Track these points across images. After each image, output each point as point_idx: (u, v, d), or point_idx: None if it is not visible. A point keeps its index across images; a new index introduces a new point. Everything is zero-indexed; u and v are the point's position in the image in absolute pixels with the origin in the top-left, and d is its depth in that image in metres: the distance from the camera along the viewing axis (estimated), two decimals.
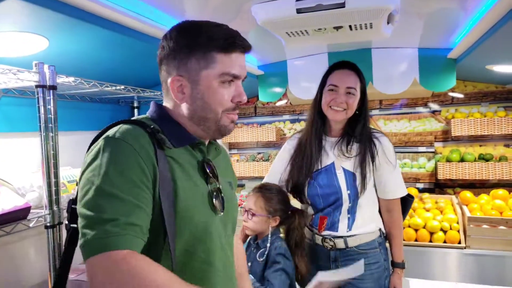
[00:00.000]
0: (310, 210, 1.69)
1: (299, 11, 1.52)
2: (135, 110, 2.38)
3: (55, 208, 1.31)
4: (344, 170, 1.61)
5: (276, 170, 1.76)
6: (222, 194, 0.97)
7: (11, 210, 1.15)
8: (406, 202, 1.72)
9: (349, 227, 1.60)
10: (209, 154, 1.00)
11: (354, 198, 1.59)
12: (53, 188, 1.31)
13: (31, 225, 1.25)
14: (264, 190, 1.62)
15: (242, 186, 3.61)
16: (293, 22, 1.61)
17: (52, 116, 1.33)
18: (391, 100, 3.30)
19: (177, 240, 0.85)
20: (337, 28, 1.72)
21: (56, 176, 1.33)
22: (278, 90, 2.87)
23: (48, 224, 1.29)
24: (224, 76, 0.89)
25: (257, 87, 2.90)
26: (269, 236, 1.56)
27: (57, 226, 1.32)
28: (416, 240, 2.55)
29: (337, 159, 1.62)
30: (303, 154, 1.65)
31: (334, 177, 1.61)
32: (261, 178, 3.45)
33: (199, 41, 0.88)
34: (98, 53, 1.61)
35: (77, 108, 1.98)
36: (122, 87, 1.69)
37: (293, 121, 3.52)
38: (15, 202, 1.19)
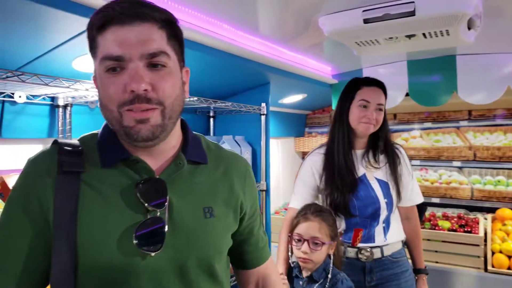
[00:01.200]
0: (342, 225, 1.67)
1: (366, 21, 1.54)
2: (211, 120, 2.57)
3: None
4: (378, 180, 1.69)
5: (305, 191, 1.73)
6: (166, 226, 0.76)
7: None
8: (421, 209, 1.85)
9: (385, 236, 1.66)
10: (164, 171, 0.81)
11: (391, 206, 1.67)
12: None
13: None
14: (323, 213, 1.51)
15: None
16: (361, 32, 1.64)
17: None
18: (483, 111, 3.08)
19: None
20: (409, 36, 1.70)
21: None
22: None
23: None
24: (104, 61, 0.72)
25: (331, 96, 2.92)
26: (330, 266, 1.43)
27: None
28: (509, 268, 2.35)
29: (367, 170, 1.70)
30: (338, 170, 1.66)
31: (369, 188, 1.67)
32: None
33: (88, 30, 0.76)
34: None
35: None
36: (195, 98, 1.86)
37: None
38: None
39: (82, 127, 1.77)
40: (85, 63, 1.48)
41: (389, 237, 1.66)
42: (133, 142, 0.76)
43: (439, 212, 3.05)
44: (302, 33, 1.89)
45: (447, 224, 2.77)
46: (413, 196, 1.77)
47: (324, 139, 3.51)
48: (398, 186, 1.69)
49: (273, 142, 3.31)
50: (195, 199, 0.83)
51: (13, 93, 1.47)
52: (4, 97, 1.46)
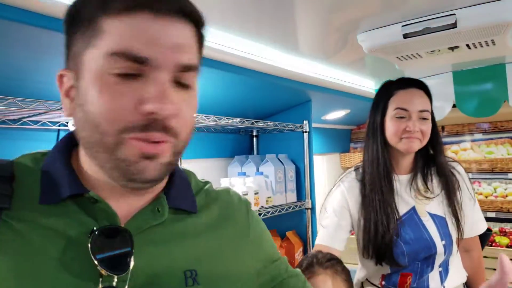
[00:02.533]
0: (385, 267, 1.32)
1: (406, 36, 1.49)
2: (254, 139, 2.58)
3: None
4: (432, 215, 1.29)
5: (338, 231, 1.32)
6: None
7: None
8: (484, 236, 1.46)
9: (443, 283, 1.29)
10: (134, 219, 0.56)
11: (450, 248, 1.28)
12: None
13: None
14: (338, 266, 1.08)
15: None
16: (401, 47, 1.59)
17: None
18: None
19: None
20: (452, 48, 1.62)
21: None
22: None
23: None
24: (116, 59, 0.49)
25: None
26: None
27: None
28: None
29: (417, 202, 1.31)
30: (375, 203, 1.27)
31: (421, 228, 1.27)
32: None
33: (85, 3, 0.53)
34: (216, 91, 1.83)
35: (202, 139, 2.26)
36: (238, 119, 1.88)
37: None
38: None
39: None
40: None
41: (448, 283, 1.29)
42: (121, 180, 0.53)
43: (495, 227, 2.84)
44: (341, 49, 1.87)
45: (505, 240, 2.57)
46: (475, 225, 1.38)
47: None
48: (459, 220, 1.31)
49: (318, 159, 3.26)
50: (174, 259, 0.56)
51: (67, 122, 1.55)
52: (59, 126, 1.55)
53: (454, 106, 2.44)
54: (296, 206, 2.25)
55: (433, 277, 1.27)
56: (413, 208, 1.31)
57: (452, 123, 3.22)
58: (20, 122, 1.42)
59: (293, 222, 2.37)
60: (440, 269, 1.29)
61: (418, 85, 1.34)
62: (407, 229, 1.27)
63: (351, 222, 1.35)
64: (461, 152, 3.15)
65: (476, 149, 3.12)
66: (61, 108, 1.21)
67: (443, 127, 3.22)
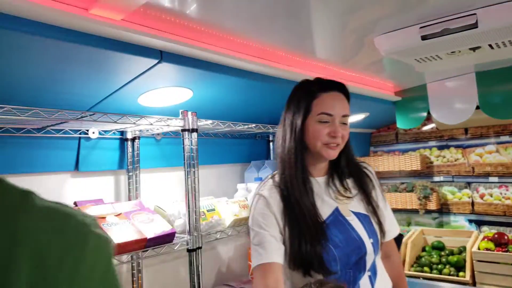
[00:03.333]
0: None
1: (424, 37, 1.48)
2: (271, 144, 2.58)
3: (195, 234, 1.54)
4: (356, 214, 1.26)
5: (272, 243, 1.18)
6: None
7: (160, 235, 1.41)
8: (398, 241, 1.51)
9: (373, 287, 1.23)
10: None
11: (377, 247, 1.25)
12: (194, 216, 1.54)
13: (175, 248, 1.50)
14: None
15: None
16: (419, 49, 1.57)
17: (194, 154, 1.58)
18: None
19: None
20: (473, 49, 1.59)
21: (196, 205, 1.57)
22: (418, 115, 2.73)
23: (189, 248, 1.52)
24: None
25: (395, 114, 2.81)
26: None
27: (197, 250, 1.54)
28: None
29: (339, 203, 1.26)
30: (297, 208, 1.19)
31: (348, 227, 1.22)
32: (405, 210, 3.29)
33: None
34: (232, 97, 1.85)
35: (220, 144, 2.28)
36: (254, 125, 1.89)
37: (441, 148, 3.25)
38: (163, 228, 1.46)
39: (149, 158, 1.87)
40: (149, 99, 1.57)
41: (378, 286, 1.25)
42: None
43: None
44: (359, 53, 1.86)
45: None
46: (392, 226, 1.37)
47: (391, 158, 3.36)
48: (378, 217, 1.29)
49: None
50: None
51: (87, 130, 1.60)
52: (80, 134, 1.60)
53: (477, 107, 2.39)
54: None
55: (364, 283, 1.21)
56: (336, 209, 1.25)
57: (476, 125, 3.15)
58: (43, 131, 1.46)
59: None
60: (369, 273, 1.23)
61: (340, 88, 1.29)
62: (334, 231, 1.20)
63: (280, 230, 1.21)
64: (486, 155, 3.08)
65: (503, 152, 3.04)
66: (81, 117, 1.24)
67: (466, 130, 3.15)
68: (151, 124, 1.45)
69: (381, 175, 3.58)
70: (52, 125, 1.43)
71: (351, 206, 1.27)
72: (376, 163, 3.42)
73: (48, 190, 1.57)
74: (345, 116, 1.25)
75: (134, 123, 1.40)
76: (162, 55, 1.30)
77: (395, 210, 3.34)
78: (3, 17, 0.96)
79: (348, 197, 1.28)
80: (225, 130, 1.90)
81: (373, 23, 1.51)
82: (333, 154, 1.24)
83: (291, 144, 1.25)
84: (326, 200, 1.26)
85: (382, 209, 1.33)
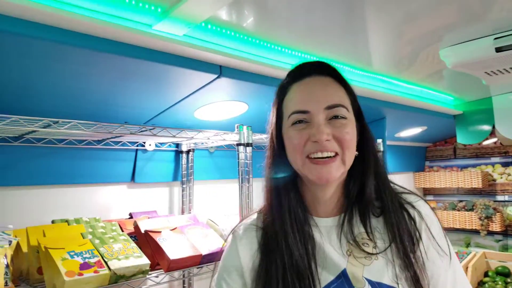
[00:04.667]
0: None
1: (498, 49, 1.38)
2: None
3: None
4: (372, 283, 0.76)
5: None
6: None
7: (215, 251, 1.39)
8: None
9: None
10: None
11: None
12: None
13: None
14: None
15: None
16: (492, 62, 1.46)
17: (248, 169, 1.56)
18: None
19: None
20: None
21: None
22: (481, 129, 2.56)
23: None
24: None
25: (455, 128, 2.66)
26: None
27: None
28: None
29: (351, 262, 0.78)
30: (277, 268, 0.77)
31: None
32: (464, 230, 3.08)
33: None
34: None
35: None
36: None
37: (505, 165, 3.04)
38: (217, 244, 1.44)
39: (202, 170, 1.87)
40: (205, 112, 1.58)
41: None
42: None
43: None
44: (419, 64, 1.77)
45: None
46: None
47: (448, 174, 3.18)
48: None
49: (391, 178, 3.11)
50: None
51: (144, 142, 1.62)
52: (137, 146, 1.63)
53: None
54: None
55: None
56: (343, 272, 0.78)
57: None
58: (103, 143, 1.50)
59: None
60: None
61: (323, 70, 0.82)
62: None
63: None
64: None
65: None
66: (142, 131, 1.26)
67: None
68: (208, 138, 1.45)
69: (437, 192, 3.40)
70: (112, 138, 1.46)
71: (369, 270, 0.77)
72: (432, 179, 3.25)
73: (105, 201, 1.61)
74: (335, 106, 0.77)
75: (192, 137, 1.40)
76: (221, 70, 1.30)
77: (452, 230, 3.14)
78: (75, 35, 0.99)
79: (369, 253, 0.78)
80: None
81: (437, 34, 1.43)
82: (326, 173, 0.76)
83: (272, 167, 0.84)
84: (331, 256, 0.79)
85: (437, 271, 0.79)
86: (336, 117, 0.77)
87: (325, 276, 0.78)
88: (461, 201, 3.19)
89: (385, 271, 0.77)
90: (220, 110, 1.60)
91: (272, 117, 0.85)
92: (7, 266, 1.12)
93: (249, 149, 1.55)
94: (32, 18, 0.92)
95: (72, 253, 1.16)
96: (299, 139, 0.77)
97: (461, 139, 2.68)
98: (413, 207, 0.84)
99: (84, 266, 1.15)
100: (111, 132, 1.20)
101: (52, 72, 1.11)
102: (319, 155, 0.76)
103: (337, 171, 0.77)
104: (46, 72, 1.10)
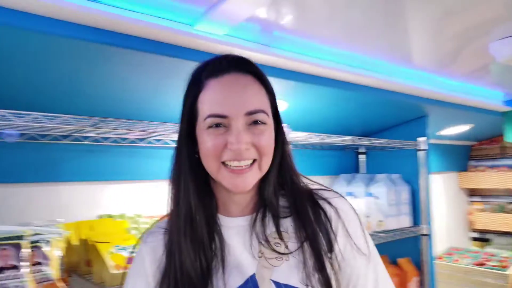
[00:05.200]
0: None
1: None
2: (359, 156, 2.49)
3: None
4: (279, 285, 0.73)
5: None
6: None
7: None
8: None
9: None
10: None
11: None
12: None
13: None
14: None
15: (486, 240, 3.15)
16: None
17: None
18: None
19: None
20: None
21: None
22: None
23: None
24: None
25: (502, 126, 2.55)
26: None
27: None
28: None
29: (262, 264, 0.75)
30: (176, 273, 0.73)
31: None
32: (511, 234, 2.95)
33: None
34: (325, 108, 1.81)
35: (307, 155, 2.24)
36: (348, 137, 1.83)
37: None
38: None
39: None
40: None
41: None
42: None
43: None
44: (464, 59, 1.71)
45: None
46: None
47: (495, 175, 3.04)
48: None
49: (433, 178, 3.03)
50: None
51: None
52: None
53: None
54: (411, 231, 2.10)
55: None
56: (252, 277, 0.74)
57: None
58: (146, 141, 1.56)
59: (406, 248, 2.21)
60: None
61: (242, 67, 0.75)
62: None
63: None
64: None
65: None
66: None
67: None
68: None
69: (483, 193, 3.27)
70: (154, 136, 1.51)
71: (278, 271, 0.73)
72: (478, 179, 3.13)
73: (147, 197, 1.66)
74: (256, 112, 0.71)
75: None
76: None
77: (500, 234, 3.01)
78: (121, 37, 1.04)
79: (280, 254, 0.75)
80: (316, 142, 1.87)
81: (484, 28, 1.37)
82: (241, 183, 0.72)
83: (178, 165, 0.77)
84: (241, 258, 0.76)
85: (354, 271, 0.76)
86: (256, 122, 0.72)
87: (234, 281, 0.74)
88: (510, 203, 3.05)
89: (294, 272, 0.73)
90: None
91: (184, 112, 0.77)
92: (61, 258, 1.19)
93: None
94: (82, 21, 0.97)
95: (118, 247, 1.22)
96: (215, 145, 0.71)
97: (510, 137, 2.56)
98: (329, 203, 0.80)
99: (130, 260, 1.20)
100: (154, 131, 1.24)
101: (99, 73, 1.16)
102: (236, 164, 0.71)
103: (253, 179, 0.74)
104: (94, 73, 1.16)
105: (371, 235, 1.91)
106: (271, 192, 0.78)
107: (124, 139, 1.53)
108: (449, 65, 1.80)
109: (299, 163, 2.07)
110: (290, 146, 0.84)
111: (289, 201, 0.80)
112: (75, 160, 1.49)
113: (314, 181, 0.84)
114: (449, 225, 3.16)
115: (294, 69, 1.43)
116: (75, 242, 1.31)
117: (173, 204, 0.77)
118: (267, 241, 0.76)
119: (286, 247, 0.75)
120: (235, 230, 0.78)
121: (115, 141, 1.51)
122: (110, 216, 1.47)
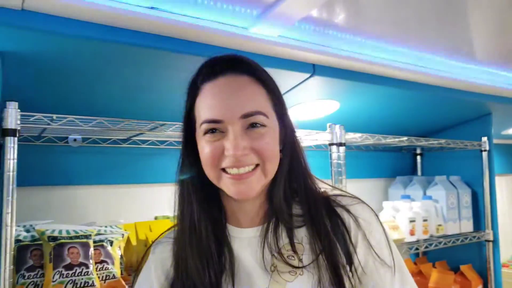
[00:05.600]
0: None
1: None
2: (418, 158, 2.40)
3: None
4: None
5: None
6: None
7: None
8: None
9: None
10: None
11: None
12: None
13: None
14: None
15: None
16: None
17: (341, 169, 1.54)
18: None
19: None
20: None
21: None
22: None
23: None
24: None
25: None
26: None
27: None
28: None
29: (275, 278, 0.70)
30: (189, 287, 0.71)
31: None
32: None
33: None
34: (380, 108, 1.77)
35: (361, 157, 2.20)
36: (405, 138, 1.77)
37: None
38: None
39: None
40: (296, 112, 1.61)
41: None
42: None
43: None
44: None
45: None
46: None
47: None
48: None
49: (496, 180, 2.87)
50: None
51: None
52: None
53: None
54: (473, 237, 2.00)
55: None
56: None
57: None
58: (166, 143, 1.59)
59: (469, 255, 2.10)
60: None
61: (238, 67, 0.71)
62: None
63: None
64: None
65: None
66: None
67: None
68: (300, 138, 1.47)
69: None
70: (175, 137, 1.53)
71: (291, 287, 0.68)
72: None
73: None
74: (252, 114, 0.67)
75: None
76: (314, 69, 1.31)
77: None
78: (179, 42, 1.07)
79: (294, 267, 0.69)
80: (372, 143, 1.82)
81: None
82: (244, 189, 0.68)
83: (182, 174, 0.75)
84: (252, 273, 0.71)
85: (378, 283, 0.70)
86: (254, 125, 0.67)
87: None
88: None
89: (309, 287, 0.68)
90: (311, 109, 1.61)
91: (183, 120, 0.74)
92: (121, 257, 1.25)
93: (342, 148, 1.53)
94: (142, 28, 1.02)
95: None
96: (212, 152, 0.67)
97: None
98: (348, 211, 0.73)
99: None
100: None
101: (159, 78, 1.21)
102: (235, 171, 0.67)
103: (258, 185, 0.68)
104: (155, 79, 1.21)
105: (430, 239, 1.86)
106: (281, 199, 0.72)
107: (163, 141, 1.57)
108: None
109: (353, 165, 2.03)
110: (302, 148, 0.77)
111: (303, 209, 0.73)
112: (133, 163, 1.55)
113: (334, 186, 0.79)
114: None
115: (349, 68, 1.41)
116: (134, 242, 1.37)
117: (178, 216, 0.75)
118: (280, 253, 0.70)
119: (300, 260, 0.69)
120: (246, 241, 0.73)
121: (171, 144, 1.56)
122: (166, 217, 1.52)
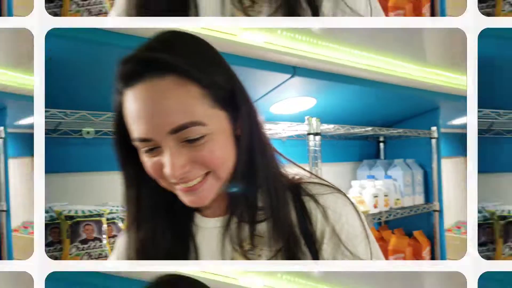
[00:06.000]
0: None
1: None
2: (381, 144, 2.38)
3: None
4: None
5: None
6: None
7: None
8: None
9: None
10: None
11: None
12: None
13: None
14: None
15: None
16: None
17: (317, 155, 1.52)
18: None
19: None
20: None
21: None
22: None
23: None
24: None
25: None
26: None
27: None
28: None
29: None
30: None
31: None
32: None
33: None
34: (350, 103, 1.75)
35: (336, 145, 2.17)
36: (370, 128, 1.79)
37: None
38: None
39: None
40: (280, 107, 1.56)
41: None
42: None
43: None
44: None
45: None
46: None
47: None
48: None
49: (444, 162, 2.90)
50: None
51: None
52: None
53: None
54: (424, 208, 2.03)
55: None
56: None
57: None
58: None
59: (420, 223, 2.12)
60: None
61: (159, 66, 0.46)
62: None
63: None
64: None
65: None
66: None
67: None
68: (283, 130, 1.44)
69: None
70: None
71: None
72: None
73: None
74: (183, 128, 0.46)
75: (270, 129, 1.41)
76: (295, 70, 1.26)
77: None
78: None
79: (252, 255, 0.55)
80: (343, 133, 1.81)
81: None
82: (197, 199, 0.52)
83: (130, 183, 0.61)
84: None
85: None
86: (190, 139, 0.47)
87: None
88: None
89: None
90: (291, 104, 1.58)
91: (115, 121, 0.54)
92: None
93: (318, 137, 1.52)
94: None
95: None
96: (153, 168, 0.50)
97: None
98: (316, 201, 0.53)
99: None
100: None
101: None
102: (184, 185, 0.50)
103: (211, 192, 0.52)
104: None
105: (390, 211, 1.86)
106: (240, 190, 0.54)
107: None
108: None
109: (327, 151, 1.99)
110: (265, 134, 0.57)
111: (265, 201, 0.53)
112: None
113: (312, 173, 0.61)
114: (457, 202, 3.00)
115: (324, 70, 1.37)
116: None
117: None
118: (241, 246, 0.53)
119: (259, 255, 0.52)
120: (208, 232, 0.56)
121: None
122: None
